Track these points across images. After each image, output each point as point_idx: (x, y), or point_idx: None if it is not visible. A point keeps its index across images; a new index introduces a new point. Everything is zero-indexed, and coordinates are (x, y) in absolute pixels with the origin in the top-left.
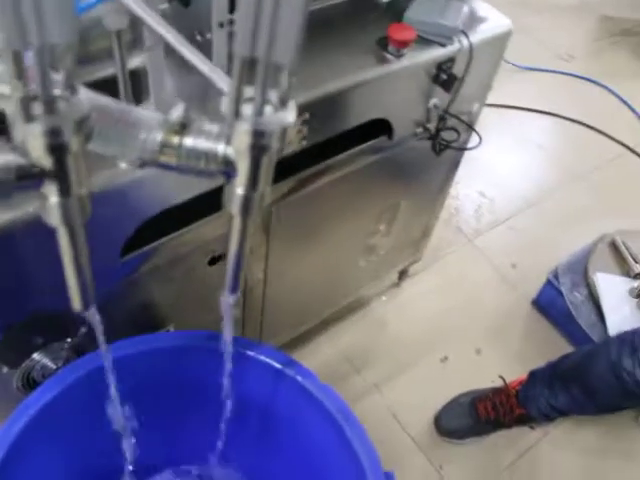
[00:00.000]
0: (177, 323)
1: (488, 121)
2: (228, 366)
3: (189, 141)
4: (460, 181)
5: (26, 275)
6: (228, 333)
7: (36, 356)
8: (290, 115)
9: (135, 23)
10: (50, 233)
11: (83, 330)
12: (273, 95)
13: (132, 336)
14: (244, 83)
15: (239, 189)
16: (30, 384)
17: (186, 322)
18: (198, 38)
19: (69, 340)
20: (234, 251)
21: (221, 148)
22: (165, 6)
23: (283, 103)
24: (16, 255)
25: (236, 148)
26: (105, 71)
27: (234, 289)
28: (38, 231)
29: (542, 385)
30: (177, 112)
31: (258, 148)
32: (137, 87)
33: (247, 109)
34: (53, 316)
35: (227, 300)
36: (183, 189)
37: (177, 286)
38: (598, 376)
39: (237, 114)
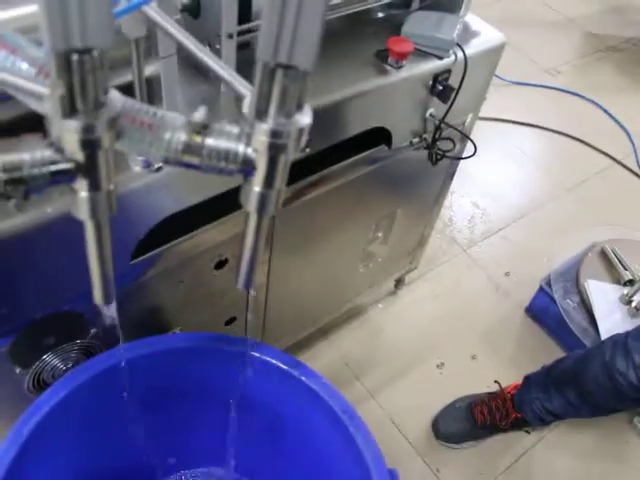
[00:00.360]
0: (184, 325)
1: (479, 134)
2: (244, 364)
3: (211, 141)
4: (454, 192)
5: (43, 274)
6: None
7: (47, 357)
8: (306, 117)
9: (150, 32)
10: (68, 235)
11: (93, 331)
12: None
13: (139, 338)
14: (267, 86)
15: (256, 187)
16: (41, 385)
17: (192, 324)
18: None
19: (79, 342)
20: (249, 247)
21: (241, 148)
22: (178, 16)
23: (299, 106)
24: (33, 256)
25: (255, 148)
26: (123, 78)
27: (247, 284)
28: (54, 231)
29: (537, 389)
30: (199, 114)
31: (276, 148)
32: (150, 94)
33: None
34: (66, 316)
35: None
36: (192, 194)
37: (184, 289)
38: (592, 379)
39: (259, 115)
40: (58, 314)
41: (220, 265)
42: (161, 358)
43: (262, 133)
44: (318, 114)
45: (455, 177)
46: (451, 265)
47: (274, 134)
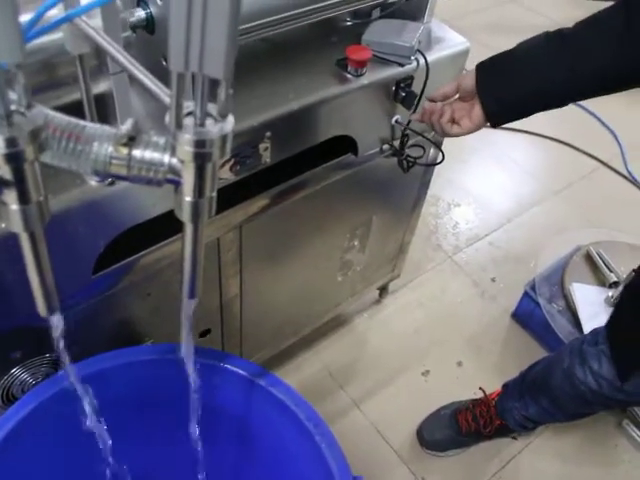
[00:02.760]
0: (156, 337)
1: (465, 140)
2: (191, 375)
3: (137, 152)
4: (440, 198)
5: (5, 288)
6: (188, 341)
7: (15, 371)
8: (228, 125)
9: (100, 49)
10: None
11: (61, 345)
12: (212, 108)
13: (108, 351)
14: (182, 96)
15: (187, 197)
16: (10, 400)
17: (165, 336)
18: (164, 63)
19: (48, 355)
20: (189, 256)
21: (167, 158)
22: (128, 33)
23: (222, 115)
24: None
25: (180, 157)
26: (74, 95)
27: (192, 294)
28: (13, 244)
29: (514, 397)
30: (126, 126)
31: (201, 157)
32: (105, 110)
33: (188, 121)
34: (32, 330)
35: (187, 305)
36: (151, 207)
37: (153, 301)
38: (557, 387)
39: (179, 126)
40: (23, 328)
41: None
42: (128, 370)
43: (185, 143)
44: (278, 123)
45: (440, 183)
46: (437, 272)
47: (197, 144)
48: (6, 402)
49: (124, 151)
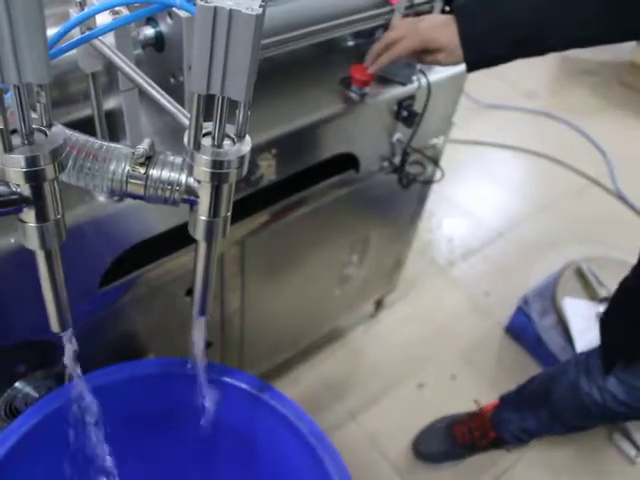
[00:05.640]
0: (158, 351)
1: (458, 157)
2: (202, 389)
3: (154, 172)
4: (434, 214)
5: (9, 304)
6: (201, 356)
7: (18, 385)
8: (246, 147)
9: (111, 67)
10: (31, 262)
11: (71, 359)
12: (230, 129)
13: (111, 365)
14: (202, 117)
15: (202, 216)
16: (13, 413)
17: (167, 350)
18: (172, 81)
19: (51, 369)
20: (201, 274)
21: (184, 178)
22: (139, 51)
23: (240, 136)
24: None
25: (197, 178)
26: (84, 112)
27: (202, 311)
28: (20, 260)
29: (511, 409)
30: (143, 146)
31: (217, 177)
32: (116, 126)
33: (206, 141)
34: (35, 344)
35: (198, 323)
36: (157, 223)
37: (156, 316)
38: (560, 399)
39: (197, 146)
40: (27, 343)
41: (191, 292)
42: (132, 384)
43: (202, 164)
44: (282, 141)
45: (434, 199)
46: (431, 286)
47: (214, 164)
48: (9, 416)
49: (141, 170)
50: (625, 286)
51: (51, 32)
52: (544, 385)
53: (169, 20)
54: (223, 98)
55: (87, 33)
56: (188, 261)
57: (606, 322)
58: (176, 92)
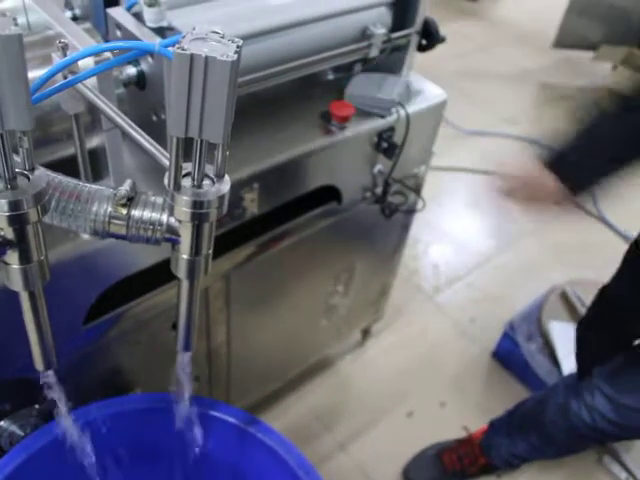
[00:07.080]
0: (145, 385)
1: (442, 184)
2: (189, 424)
3: (136, 212)
4: (419, 241)
5: None
6: (187, 391)
7: (3, 423)
8: (225, 186)
9: (93, 107)
10: (15, 301)
11: (50, 396)
12: (210, 169)
13: (98, 400)
14: (181, 159)
15: (184, 255)
16: None
17: (154, 384)
18: (154, 118)
19: (37, 406)
20: (184, 311)
21: (165, 218)
22: (121, 90)
23: (219, 176)
24: None
25: (178, 218)
26: (67, 151)
27: (187, 347)
28: (3, 299)
29: (501, 434)
30: (125, 187)
31: (198, 217)
32: (99, 165)
33: (187, 182)
34: (21, 382)
35: (182, 358)
36: (141, 258)
37: (142, 350)
38: (550, 422)
39: (178, 187)
40: (11, 380)
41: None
42: (118, 420)
43: (183, 204)
44: (264, 175)
45: (419, 226)
46: (417, 313)
47: (194, 204)
48: None
49: (123, 211)
50: (603, 293)
51: (33, 75)
52: (534, 409)
53: (150, 60)
54: (201, 141)
55: (70, 78)
56: (173, 295)
57: (581, 329)
58: (158, 129)
